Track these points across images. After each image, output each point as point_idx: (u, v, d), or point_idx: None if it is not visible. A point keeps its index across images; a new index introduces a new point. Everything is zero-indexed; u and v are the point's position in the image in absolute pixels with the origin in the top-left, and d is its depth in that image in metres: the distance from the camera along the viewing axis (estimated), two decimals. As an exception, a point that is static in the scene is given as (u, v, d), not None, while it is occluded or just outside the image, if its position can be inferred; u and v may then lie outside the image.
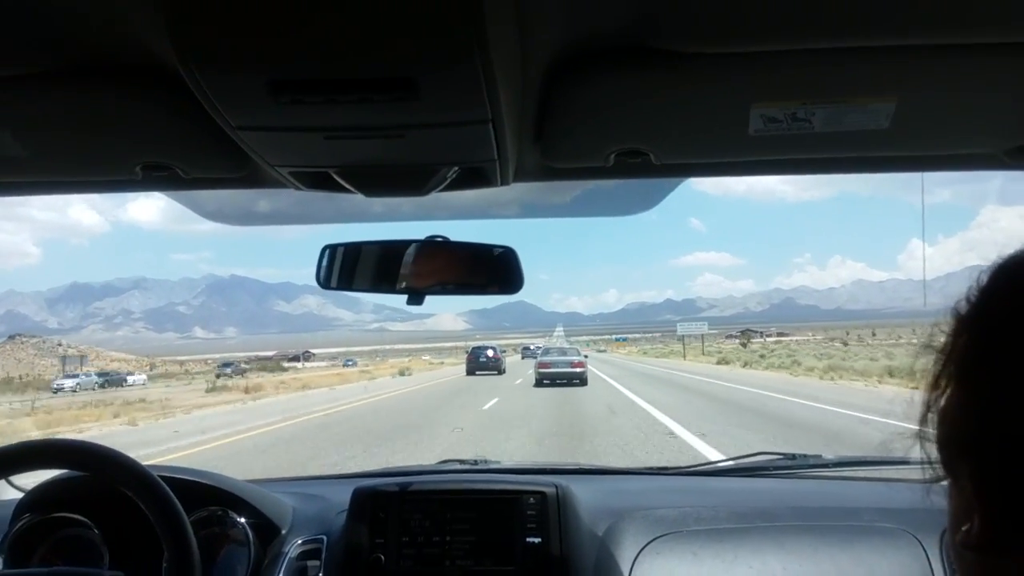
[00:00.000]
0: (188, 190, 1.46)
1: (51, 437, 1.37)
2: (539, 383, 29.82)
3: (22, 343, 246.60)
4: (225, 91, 0.95)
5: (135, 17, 0.90)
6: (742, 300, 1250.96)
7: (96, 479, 1.40)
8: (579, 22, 0.98)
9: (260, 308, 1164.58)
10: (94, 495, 1.73)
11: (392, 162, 1.24)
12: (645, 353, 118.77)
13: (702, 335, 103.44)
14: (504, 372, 44.13)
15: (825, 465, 2.27)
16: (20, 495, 1.90)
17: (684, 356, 76.43)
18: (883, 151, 1.29)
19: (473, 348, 50.02)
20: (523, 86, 1.09)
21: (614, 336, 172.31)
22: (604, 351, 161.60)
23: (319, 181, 1.31)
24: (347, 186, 1.30)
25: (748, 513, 1.80)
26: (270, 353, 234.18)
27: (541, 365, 31.48)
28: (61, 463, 1.49)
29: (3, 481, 2.11)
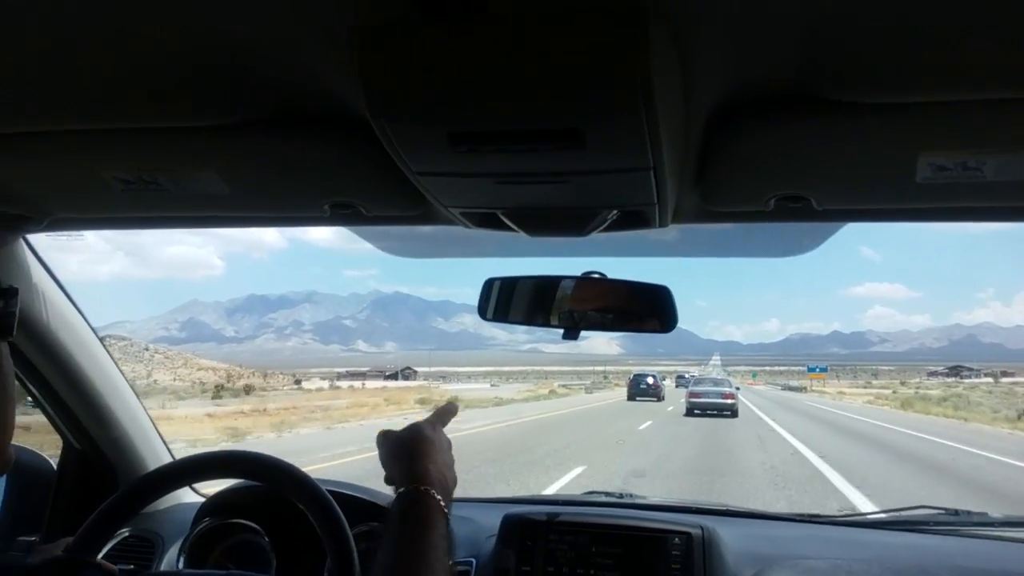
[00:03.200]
0: (368, 226, 1.56)
1: (232, 449, 1.39)
2: (689, 412, 29.93)
3: (109, 345, 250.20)
4: (409, 141, 1.03)
5: (332, 75, 1.00)
6: (918, 335, 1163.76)
7: (269, 490, 1.47)
8: (741, 74, 1.00)
9: (420, 324, 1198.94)
10: (266, 504, 1.81)
11: (555, 205, 1.30)
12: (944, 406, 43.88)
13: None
14: (663, 399, 45.62)
15: (991, 524, 2.12)
16: (200, 500, 2.03)
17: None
18: None
19: (635, 375, 53.11)
20: (685, 134, 1.12)
21: (807, 366, 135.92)
22: (801, 390, 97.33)
23: (486, 220, 1.38)
24: (512, 226, 1.36)
25: (903, 570, 1.73)
26: (364, 369, 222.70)
27: (692, 395, 32.33)
28: (240, 473, 1.57)
29: (188, 487, 2.30)
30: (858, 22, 0.85)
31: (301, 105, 1.11)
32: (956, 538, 2.07)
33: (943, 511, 2.18)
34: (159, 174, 1.29)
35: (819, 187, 1.24)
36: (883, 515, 2.31)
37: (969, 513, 2.16)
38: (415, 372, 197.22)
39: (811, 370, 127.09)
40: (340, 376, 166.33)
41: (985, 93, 0.96)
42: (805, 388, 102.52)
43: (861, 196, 1.30)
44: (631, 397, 47.28)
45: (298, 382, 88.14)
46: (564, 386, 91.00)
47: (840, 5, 0.83)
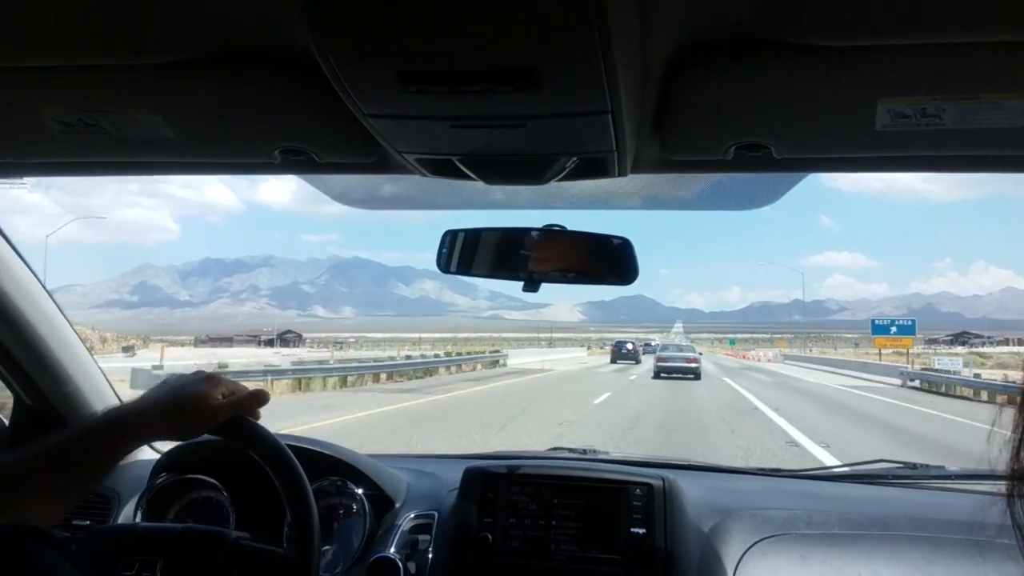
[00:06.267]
0: (321, 174, 1.53)
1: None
2: (657, 375, 34.19)
3: None
4: (358, 80, 1.00)
5: (277, 9, 0.96)
6: (877, 304, 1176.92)
7: (228, 444, 1.44)
8: (701, 14, 0.98)
9: (379, 290, 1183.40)
10: (225, 460, 1.81)
11: (512, 151, 1.27)
12: None
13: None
14: (640, 362, 54.91)
15: (948, 476, 2.19)
16: (157, 456, 2.02)
17: None
18: (1019, 150, 1.24)
19: (616, 342, 65.87)
20: (643, 78, 1.10)
21: (873, 322, 54.24)
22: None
23: (442, 168, 1.35)
24: (469, 173, 1.33)
25: (862, 520, 1.77)
26: (230, 335, 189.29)
27: (660, 359, 36.39)
28: None
29: None
30: None
31: (248, 43, 1.07)
32: (914, 490, 2.13)
33: (902, 464, 2.24)
34: (101, 116, 1.24)
35: (779, 135, 1.24)
36: (843, 469, 2.36)
37: (927, 466, 2.22)
38: (300, 337, 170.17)
39: (881, 331, 52.93)
40: (200, 342, 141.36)
41: (945, 36, 0.95)
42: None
43: (821, 144, 1.29)
44: (613, 360, 58.03)
45: (126, 349, 70.71)
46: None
47: None
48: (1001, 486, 0.76)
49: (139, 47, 1.07)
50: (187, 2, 0.97)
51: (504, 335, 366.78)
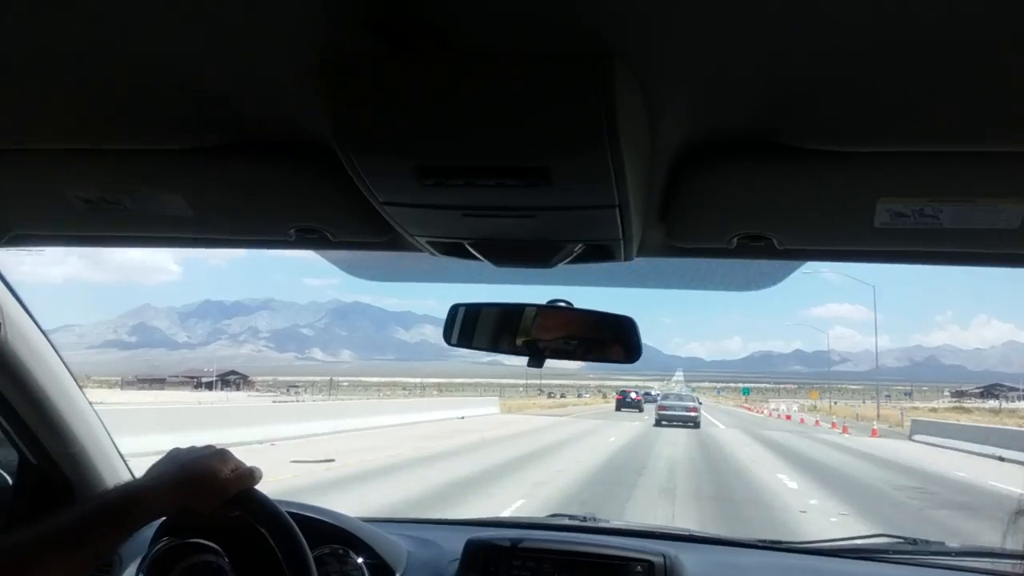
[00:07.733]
0: (334, 250, 1.58)
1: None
2: (658, 423, 37.61)
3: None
4: (376, 172, 1.04)
5: (301, 105, 1.01)
6: (879, 356, 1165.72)
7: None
8: (706, 119, 1.02)
9: (379, 334, 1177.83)
10: (227, 525, 1.77)
11: (522, 237, 1.31)
12: None
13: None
14: (643, 411, 55.79)
15: (948, 553, 2.17)
16: (161, 518, 2.08)
17: None
18: (1013, 249, 1.27)
19: (621, 391, 68.86)
20: (650, 174, 1.14)
21: None
22: None
23: (453, 250, 1.39)
24: (478, 256, 1.37)
25: None
26: (164, 375, 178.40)
27: (661, 408, 40.80)
28: None
29: None
30: (821, 78, 0.88)
31: (269, 132, 1.12)
32: (914, 567, 2.11)
33: (902, 540, 2.23)
34: (122, 195, 1.28)
35: (780, 228, 1.26)
36: (843, 543, 2.35)
37: (927, 542, 2.21)
38: (245, 379, 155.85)
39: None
40: (127, 383, 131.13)
41: (941, 146, 0.99)
42: None
43: (821, 238, 1.32)
44: (618, 408, 61.11)
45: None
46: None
47: (803, 62, 0.86)
48: (1002, 564, 0.68)
49: (164, 134, 1.11)
50: (211, 95, 1.01)
51: (501, 381, 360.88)
